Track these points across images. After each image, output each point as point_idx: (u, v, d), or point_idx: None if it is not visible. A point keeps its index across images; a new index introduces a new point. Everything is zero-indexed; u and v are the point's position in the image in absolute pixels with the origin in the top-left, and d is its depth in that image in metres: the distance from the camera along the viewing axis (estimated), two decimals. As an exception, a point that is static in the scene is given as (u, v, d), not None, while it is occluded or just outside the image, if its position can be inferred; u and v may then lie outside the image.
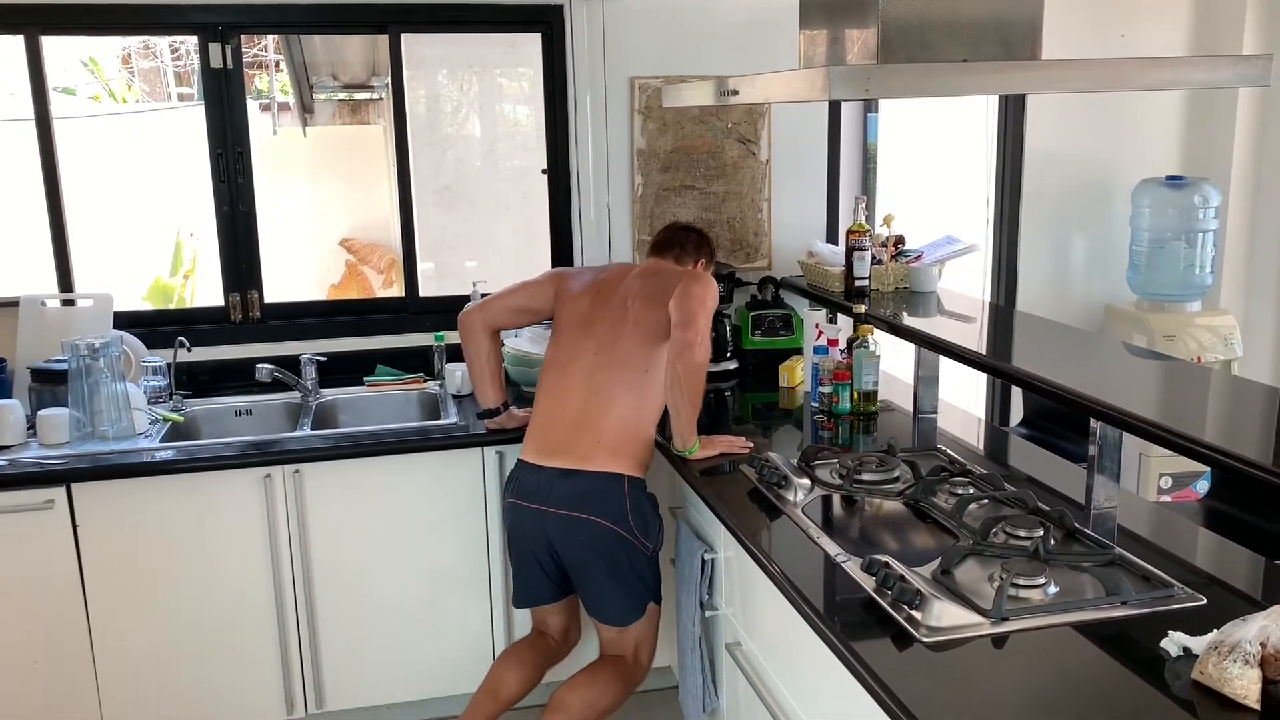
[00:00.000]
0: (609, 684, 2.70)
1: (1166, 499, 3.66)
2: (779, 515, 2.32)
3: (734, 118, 3.58)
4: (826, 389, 3.01)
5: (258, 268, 3.44)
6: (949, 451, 2.63)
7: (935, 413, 3.00)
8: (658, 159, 3.55)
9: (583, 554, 2.63)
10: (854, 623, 1.82)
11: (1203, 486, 3.73)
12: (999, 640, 1.74)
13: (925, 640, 1.73)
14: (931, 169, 4.36)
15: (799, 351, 3.47)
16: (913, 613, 1.79)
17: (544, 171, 3.60)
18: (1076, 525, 2.12)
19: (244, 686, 2.95)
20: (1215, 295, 3.97)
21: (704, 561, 2.60)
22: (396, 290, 6.58)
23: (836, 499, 2.38)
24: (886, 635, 1.78)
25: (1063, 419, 3.17)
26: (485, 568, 3.04)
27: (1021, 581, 1.86)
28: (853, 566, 2.00)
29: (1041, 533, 2.06)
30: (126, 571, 2.82)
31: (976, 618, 1.77)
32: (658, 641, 2.84)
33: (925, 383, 2.97)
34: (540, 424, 2.71)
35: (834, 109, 3.69)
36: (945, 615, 1.77)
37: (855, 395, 2.99)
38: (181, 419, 3.12)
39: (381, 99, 6.27)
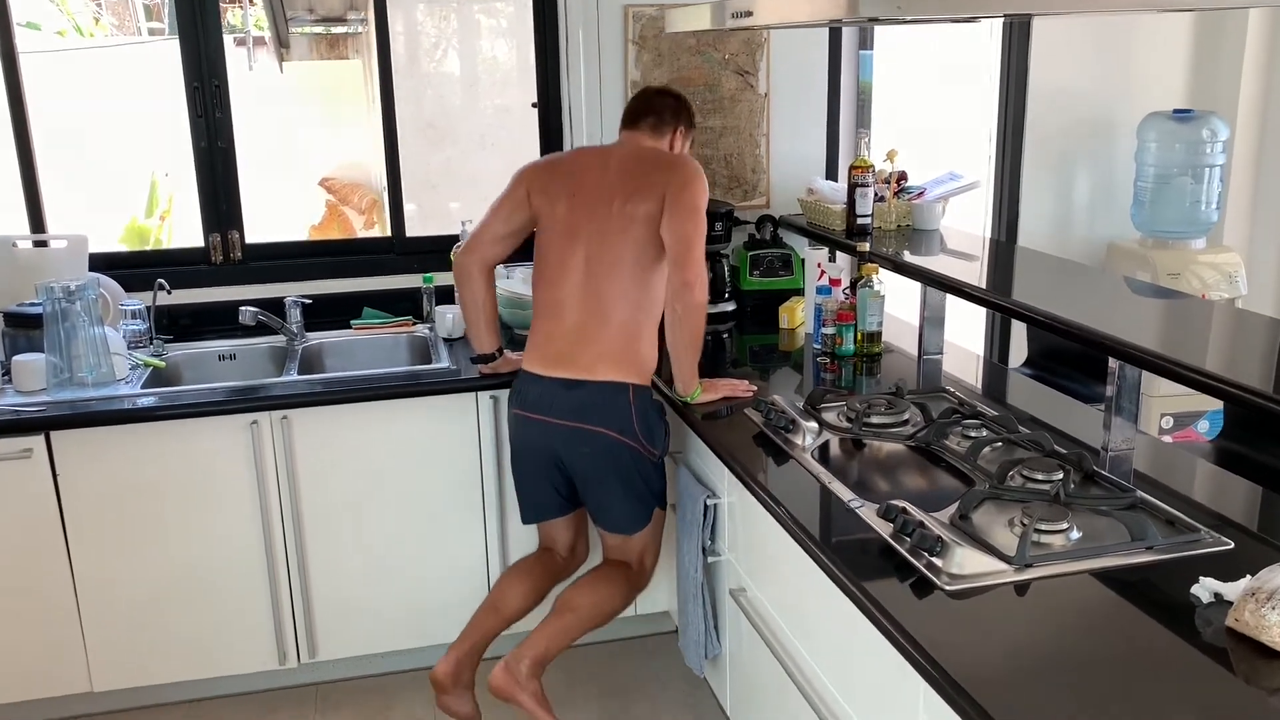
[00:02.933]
0: (616, 588, 2.67)
1: (1167, 439, 3.62)
2: (787, 460, 2.25)
3: (731, 48, 3.45)
4: (829, 330, 2.93)
5: (238, 207, 3.32)
6: (957, 393, 2.56)
7: (940, 354, 2.93)
8: (652, 92, 3.42)
9: (589, 464, 2.58)
10: (871, 570, 1.76)
11: (1204, 426, 3.70)
12: (1021, 588, 1.68)
13: (947, 588, 1.67)
14: (931, 105, 4.25)
15: (798, 292, 3.39)
16: (933, 559, 1.73)
17: (534, 105, 3.47)
18: (1095, 468, 2.06)
19: (235, 636, 2.88)
20: (1218, 232, 3.90)
21: (706, 507, 2.54)
22: (378, 231, 6.44)
23: (846, 442, 2.31)
24: (905, 582, 1.72)
25: (1068, 359, 3.11)
26: (480, 514, 2.98)
27: (1044, 527, 1.80)
28: (868, 512, 1.93)
29: (1060, 476, 2.00)
30: (110, 521, 2.73)
31: (999, 564, 1.71)
32: (661, 546, 2.81)
33: (930, 323, 2.89)
34: (540, 336, 2.63)
35: (834, 38, 3.56)
36: (967, 562, 1.71)
37: (859, 336, 2.91)
38: (163, 364, 3.02)
39: (360, 33, 6.08)
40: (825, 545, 1.86)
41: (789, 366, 3.04)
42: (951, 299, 2.87)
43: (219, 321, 3.28)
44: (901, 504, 1.86)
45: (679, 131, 2.73)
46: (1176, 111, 3.68)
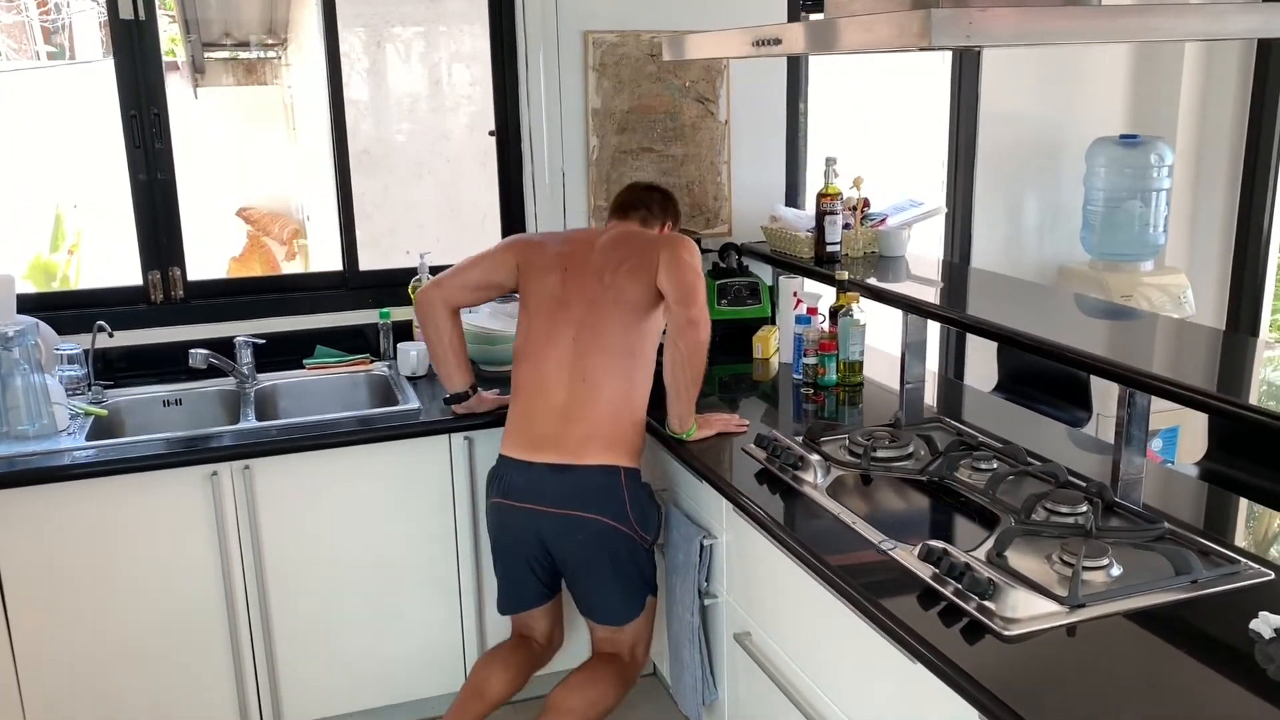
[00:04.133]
0: (609, 684, 2.54)
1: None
2: (798, 497, 2.18)
3: (692, 75, 3.40)
4: (811, 360, 2.88)
5: (179, 242, 3.11)
6: (954, 422, 2.53)
7: (922, 381, 2.90)
8: (613, 119, 3.35)
9: (581, 554, 2.45)
10: (917, 615, 1.69)
11: (1157, 444, 3.76)
12: (1076, 629, 1.63)
13: (1004, 633, 1.61)
14: (876, 127, 4.26)
15: (767, 321, 3.34)
16: (985, 603, 1.67)
17: (491, 134, 3.36)
18: (1117, 499, 2.04)
19: (195, 704, 2.67)
20: (1160, 253, 3.99)
21: (702, 547, 2.45)
22: (299, 262, 6.21)
23: (855, 478, 2.25)
24: (954, 627, 1.66)
25: (1039, 381, 3.12)
26: (454, 563, 2.83)
27: (1087, 564, 1.76)
28: (904, 554, 1.87)
29: (1084, 509, 1.97)
30: (54, 587, 2.51)
31: (1052, 606, 1.66)
32: (653, 635, 2.68)
33: (912, 350, 2.86)
34: (522, 416, 2.50)
35: (793, 66, 3.54)
36: (1021, 605, 1.65)
37: (841, 366, 2.87)
38: (105, 413, 2.80)
39: (279, 58, 5.86)
40: (864, 591, 1.78)
41: (767, 398, 2.97)
42: (914, 322, 2.85)
43: (159, 364, 3.07)
44: (941, 545, 1.80)
45: (666, 225, 2.73)
46: (1123, 136, 3.75)
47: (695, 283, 2.44)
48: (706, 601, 2.50)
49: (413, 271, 3.25)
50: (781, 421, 2.76)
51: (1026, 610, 1.65)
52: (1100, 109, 3.96)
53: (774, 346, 3.17)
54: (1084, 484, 2.09)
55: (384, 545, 2.76)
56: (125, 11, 2.92)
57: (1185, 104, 3.86)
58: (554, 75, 3.26)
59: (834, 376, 2.87)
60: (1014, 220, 3.99)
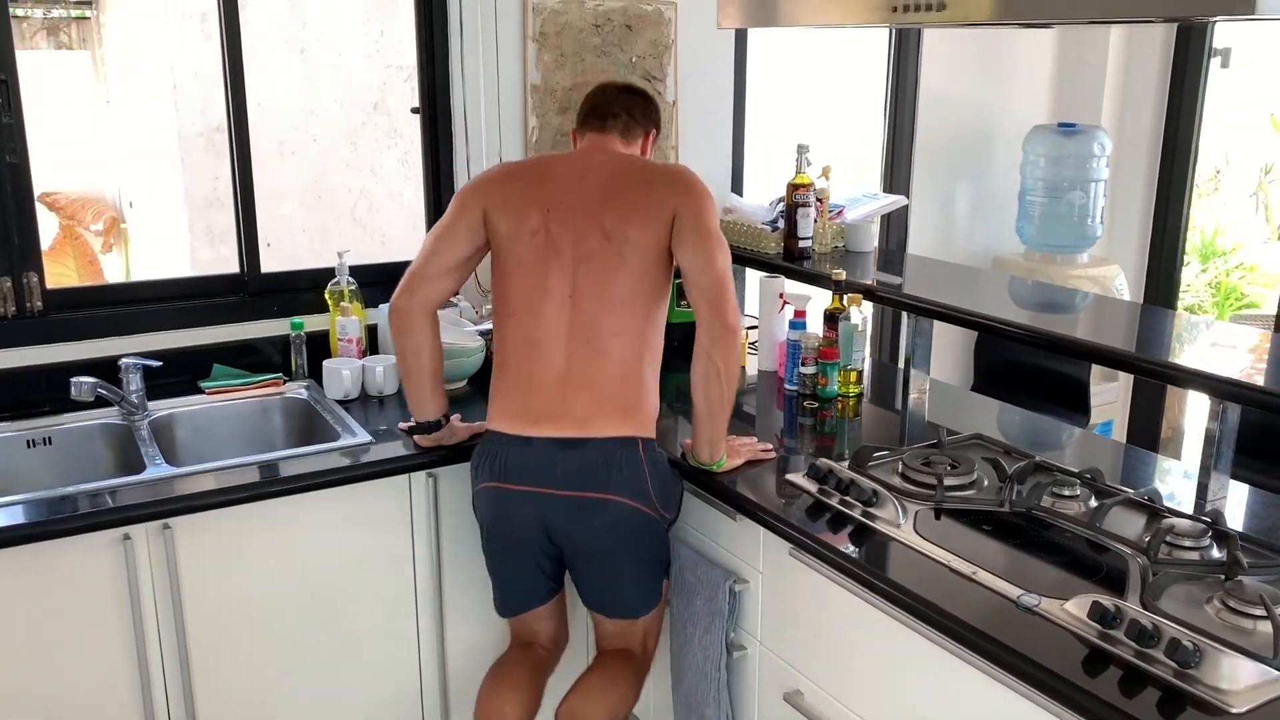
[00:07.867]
0: (628, 685, 2.22)
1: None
2: (877, 539, 1.88)
3: (638, 50, 3.04)
4: (809, 370, 2.60)
5: (35, 242, 2.50)
6: (998, 439, 2.30)
7: (926, 392, 2.67)
8: (554, 97, 2.95)
9: (598, 541, 2.10)
10: (1107, 691, 1.44)
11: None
12: (1281, 695, 1.42)
13: (1231, 709, 1.38)
14: (804, 112, 4.04)
15: (728, 323, 3.02)
16: (1187, 670, 1.44)
17: (415, 111, 2.90)
18: (1230, 529, 1.85)
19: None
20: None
21: (732, 593, 2.14)
22: (117, 255, 5.42)
23: (930, 513, 1.97)
24: (1138, 698, 1.42)
25: (1028, 382, 2.96)
26: (414, 630, 2.39)
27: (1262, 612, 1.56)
28: (1054, 609, 1.61)
29: (1209, 542, 1.78)
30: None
31: (1261, 670, 1.44)
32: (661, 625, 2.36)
33: (919, 358, 2.62)
34: (516, 384, 2.11)
35: (740, 42, 3.24)
36: (1235, 672, 1.43)
37: (844, 376, 2.60)
38: (-44, 462, 2.20)
39: (89, 18, 5.05)
40: (1026, 661, 1.52)
41: (753, 413, 2.67)
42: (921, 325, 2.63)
43: (13, 394, 2.47)
44: (1113, 602, 1.55)
45: (650, 135, 2.34)
46: (1061, 125, 3.66)
47: (726, 273, 2.08)
48: (735, 654, 2.19)
49: (329, 273, 2.75)
50: (769, 436, 2.44)
51: (1243, 680, 1.42)
52: (1028, 96, 3.87)
53: (745, 353, 2.87)
54: (1199, 515, 1.90)
55: (333, 610, 2.29)
56: (-40, -51, 2.29)
57: (1109, 91, 3.82)
58: (491, 46, 2.83)
59: (835, 387, 2.60)
60: (947, 209, 3.85)
